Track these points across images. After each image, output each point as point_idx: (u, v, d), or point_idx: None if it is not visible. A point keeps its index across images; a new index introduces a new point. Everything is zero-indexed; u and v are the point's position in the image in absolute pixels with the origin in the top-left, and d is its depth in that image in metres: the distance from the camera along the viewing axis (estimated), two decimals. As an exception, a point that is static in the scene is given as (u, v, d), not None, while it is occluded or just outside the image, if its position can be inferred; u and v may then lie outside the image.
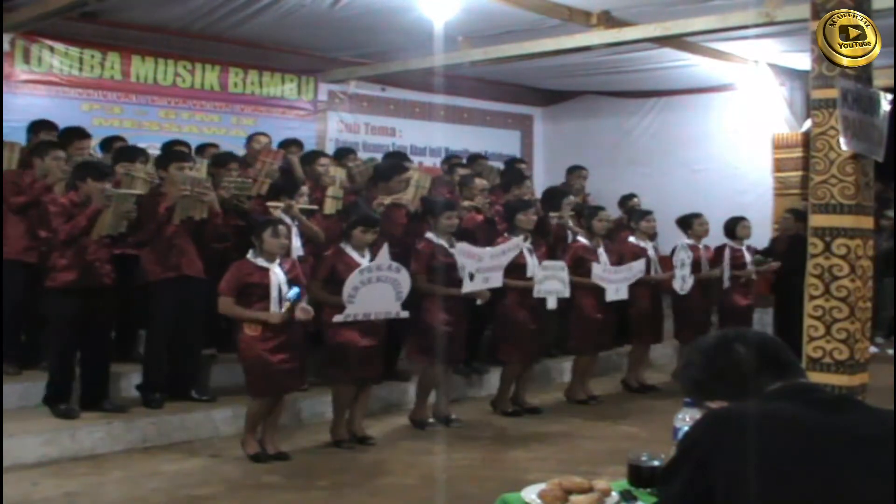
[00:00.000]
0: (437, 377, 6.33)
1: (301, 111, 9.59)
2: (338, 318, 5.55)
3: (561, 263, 6.79)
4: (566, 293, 6.74)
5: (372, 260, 5.71)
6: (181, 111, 8.73)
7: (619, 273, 7.17)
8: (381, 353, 5.91)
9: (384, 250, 5.69)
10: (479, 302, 6.41)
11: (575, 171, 9.35)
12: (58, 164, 6.06)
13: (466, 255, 6.18)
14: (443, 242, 6.30)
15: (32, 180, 6.06)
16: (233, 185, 6.36)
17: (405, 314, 5.83)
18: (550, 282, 6.62)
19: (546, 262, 6.70)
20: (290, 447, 5.64)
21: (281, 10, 7.38)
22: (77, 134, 6.75)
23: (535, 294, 6.55)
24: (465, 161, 8.77)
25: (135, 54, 8.41)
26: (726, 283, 7.85)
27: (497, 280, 6.35)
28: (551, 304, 6.66)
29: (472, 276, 6.18)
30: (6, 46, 7.61)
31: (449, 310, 6.23)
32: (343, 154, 8.09)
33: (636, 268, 7.27)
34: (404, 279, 5.71)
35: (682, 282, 7.58)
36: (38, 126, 6.78)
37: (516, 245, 6.51)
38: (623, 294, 7.12)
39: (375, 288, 5.60)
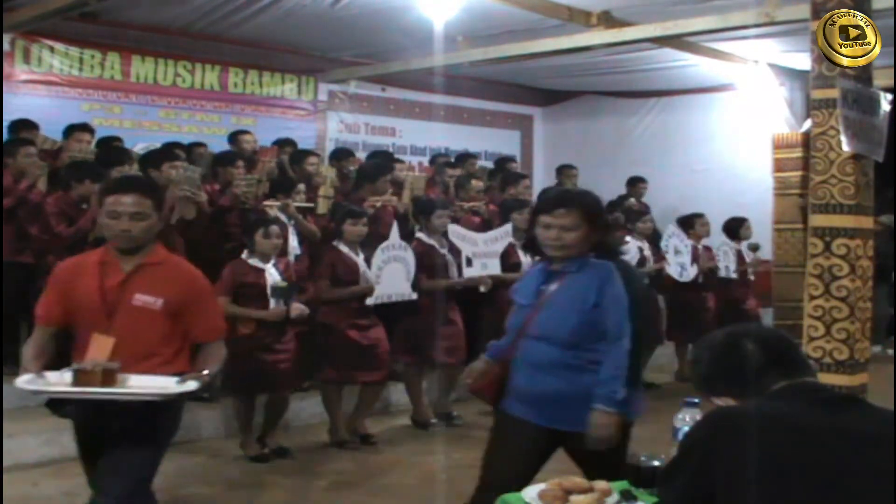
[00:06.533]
0: (420, 376, 6.34)
1: (301, 111, 9.59)
2: (370, 301, 5.66)
3: None
4: None
5: (366, 257, 5.77)
6: (181, 111, 8.73)
7: None
8: (380, 354, 5.87)
9: (395, 229, 5.86)
10: (482, 289, 6.34)
11: (564, 171, 9.33)
12: (32, 161, 5.96)
13: (461, 239, 6.27)
14: (434, 242, 6.28)
15: (12, 180, 5.92)
16: (244, 182, 6.39)
17: (415, 296, 5.91)
18: None
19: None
20: (290, 447, 5.62)
21: (281, 10, 7.38)
22: (79, 127, 6.76)
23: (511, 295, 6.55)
24: (453, 160, 8.72)
25: (135, 54, 8.41)
26: (723, 274, 7.82)
27: (495, 267, 6.38)
28: None
29: (469, 262, 6.24)
30: (6, 46, 7.60)
31: (441, 308, 6.19)
32: (342, 156, 8.00)
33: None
34: (410, 259, 5.87)
35: (681, 269, 7.56)
36: (19, 125, 6.73)
37: (507, 231, 6.53)
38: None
39: (393, 268, 5.77)
